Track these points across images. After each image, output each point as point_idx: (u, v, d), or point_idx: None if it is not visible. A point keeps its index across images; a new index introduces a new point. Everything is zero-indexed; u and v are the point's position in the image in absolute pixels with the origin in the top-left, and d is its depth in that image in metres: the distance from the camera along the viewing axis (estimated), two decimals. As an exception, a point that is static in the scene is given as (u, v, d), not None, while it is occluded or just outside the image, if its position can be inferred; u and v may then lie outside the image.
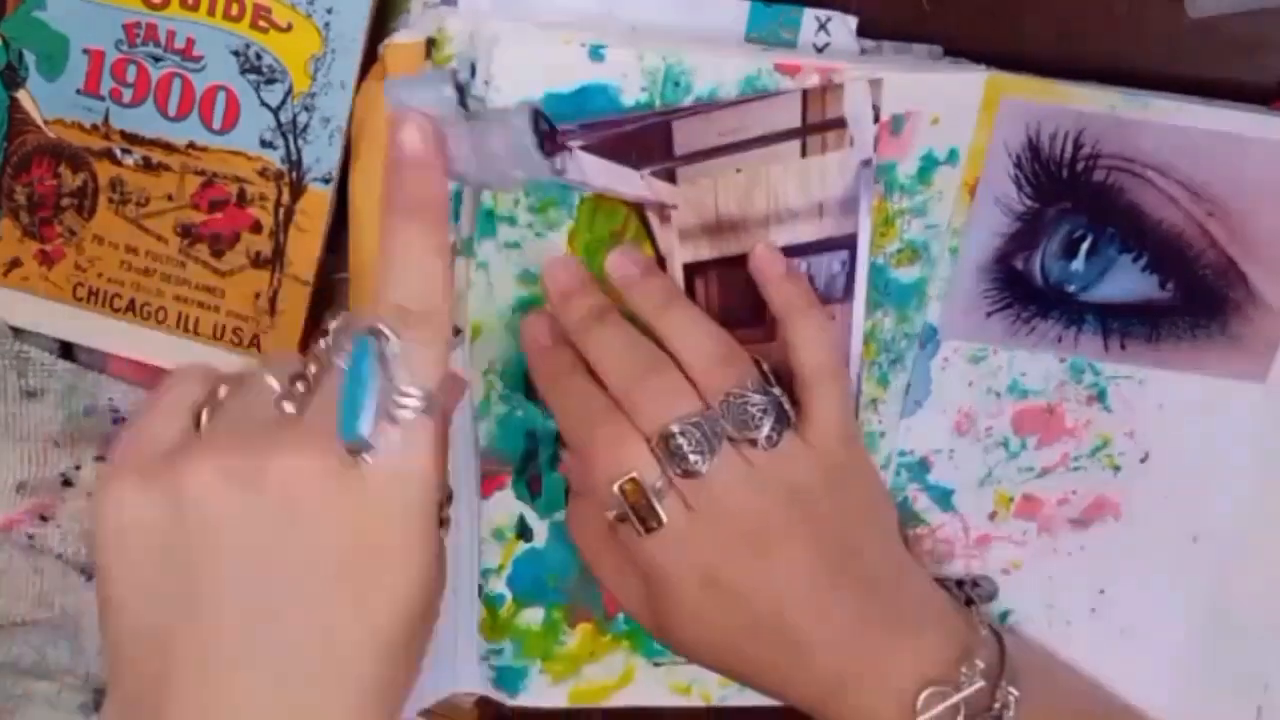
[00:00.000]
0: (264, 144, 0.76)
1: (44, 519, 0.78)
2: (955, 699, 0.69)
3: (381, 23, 0.75)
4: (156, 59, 0.75)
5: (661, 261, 0.73)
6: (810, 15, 0.73)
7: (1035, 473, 0.81)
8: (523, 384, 0.74)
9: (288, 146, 0.75)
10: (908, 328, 0.78)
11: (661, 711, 0.86)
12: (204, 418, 0.55)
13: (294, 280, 0.77)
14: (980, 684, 0.69)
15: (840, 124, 0.71)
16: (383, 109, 0.74)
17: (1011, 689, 0.70)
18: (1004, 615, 0.84)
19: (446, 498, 0.58)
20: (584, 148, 0.69)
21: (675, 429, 0.67)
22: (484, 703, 0.84)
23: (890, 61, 0.75)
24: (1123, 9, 0.76)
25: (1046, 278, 0.77)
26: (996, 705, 0.70)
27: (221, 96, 0.75)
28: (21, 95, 0.76)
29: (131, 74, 0.75)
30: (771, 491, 0.68)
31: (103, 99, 0.76)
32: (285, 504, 0.52)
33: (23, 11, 0.75)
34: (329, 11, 0.74)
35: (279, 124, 0.75)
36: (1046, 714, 0.72)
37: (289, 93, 0.75)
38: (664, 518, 0.67)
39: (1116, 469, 0.81)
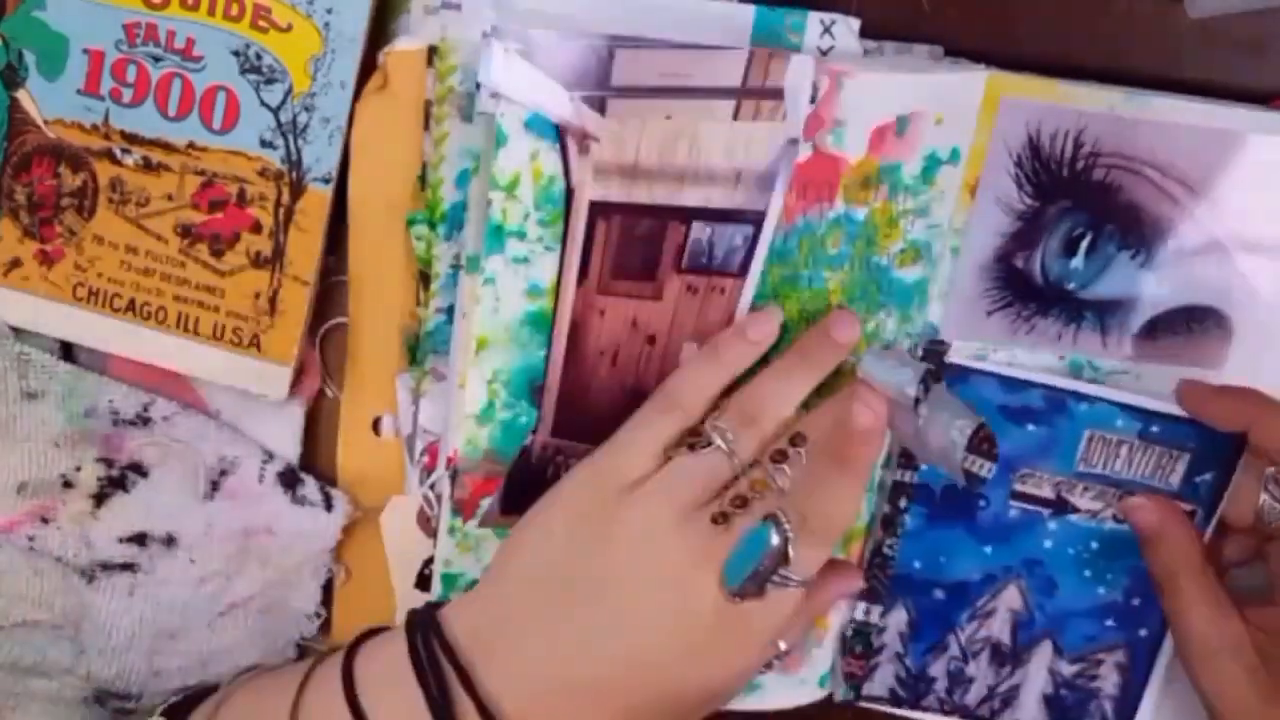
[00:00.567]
0: (264, 144, 0.75)
1: (44, 521, 0.78)
2: None
3: (381, 23, 0.75)
4: (156, 59, 0.75)
5: (570, 194, 0.72)
6: (815, 18, 0.73)
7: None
8: (526, 391, 0.74)
9: (288, 146, 0.75)
10: (909, 327, 0.78)
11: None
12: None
13: (294, 280, 0.77)
14: None
15: (777, 95, 0.71)
16: (383, 120, 0.74)
17: None
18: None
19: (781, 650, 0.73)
20: (521, 53, 0.68)
21: None
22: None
23: (892, 62, 0.75)
24: (1122, 9, 0.76)
25: (1046, 276, 0.78)
26: None
27: (221, 96, 0.75)
28: (21, 95, 0.76)
29: (131, 74, 0.75)
30: None
31: (103, 99, 0.75)
32: (679, 582, 0.67)
33: (23, 11, 0.75)
34: (329, 11, 0.74)
35: (279, 124, 0.75)
36: None
37: (289, 93, 0.75)
38: None
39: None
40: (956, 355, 0.79)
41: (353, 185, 0.76)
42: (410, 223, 0.75)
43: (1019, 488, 0.81)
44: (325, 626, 0.85)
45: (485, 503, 0.76)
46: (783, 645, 0.72)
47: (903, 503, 0.81)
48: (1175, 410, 0.79)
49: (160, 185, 0.76)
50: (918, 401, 0.67)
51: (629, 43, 0.69)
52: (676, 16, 0.73)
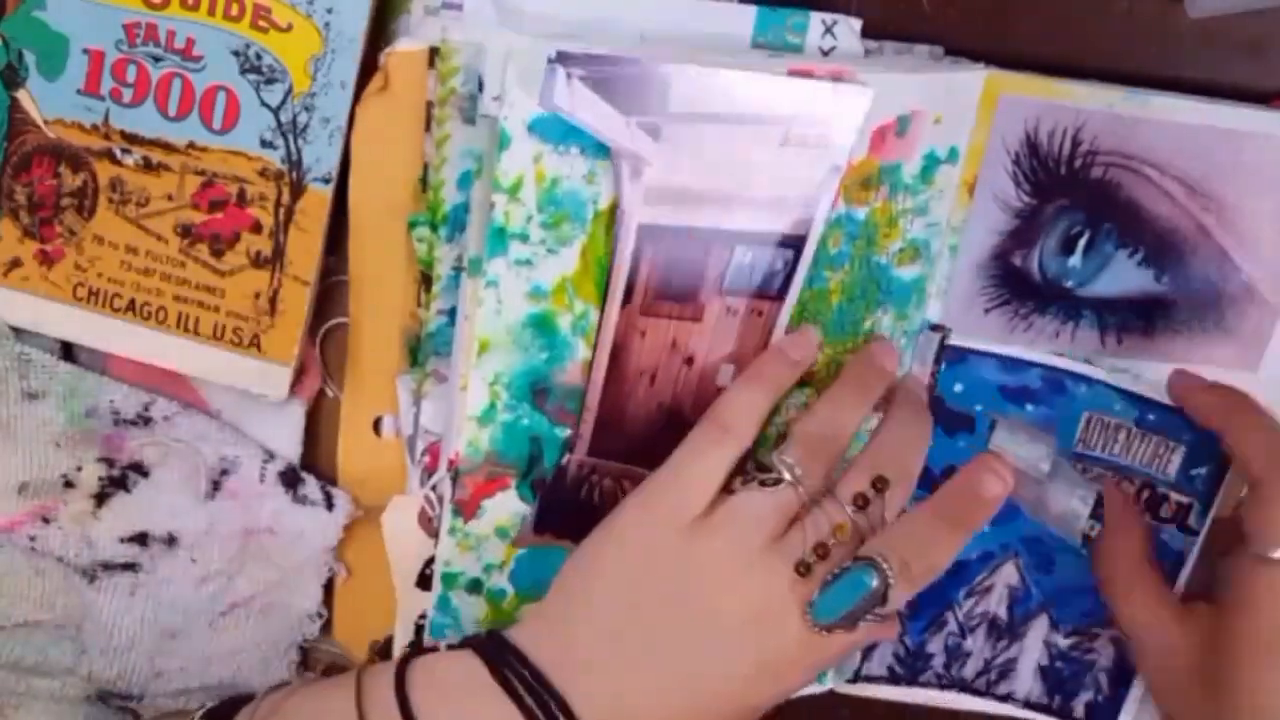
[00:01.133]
0: (264, 144, 0.75)
1: (45, 521, 0.78)
2: None
3: (381, 23, 0.75)
4: (156, 59, 0.75)
5: (620, 216, 0.72)
6: (816, 19, 0.74)
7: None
8: (528, 394, 0.74)
9: (288, 146, 0.75)
10: (907, 325, 0.78)
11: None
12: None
13: (294, 280, 0.77)
14: None
15: (825, 124, 0.71)
16: (384, 121, 0.74)
17: None
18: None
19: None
20: (583, 79, 0.68)
21: None
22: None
23: (892, 62, 0.75)
24: (1122, 9, 0.76)
25: (1044, 274, 0.78)
26: None
27: (221, 96, 0.75)
28: (21, 95, 0.76)
29: (131, 74, 0.75)
30: None
31: (103, 99, 0.75)
32: (764, 619, 0.70)
33: (23, 11, 0.74)
34: (329, 11, 0.74)
35: (279, 124, 0.75)
36: None
37: (289, 93, 0.75)
38: None
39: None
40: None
41: (353, 186, 0.76)
42: (412, 224, 0.75)
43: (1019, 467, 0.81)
44: (326, 627, 0.85)
45: (487, 503, 0.77)
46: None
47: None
48: (1171, 402, 0.80)
49: (160, 185, 0.76)
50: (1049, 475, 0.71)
51: (686, 68, 0.69)
52: (678, 17, 0.73)
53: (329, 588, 0.84)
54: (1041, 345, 0.79)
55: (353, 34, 0.74)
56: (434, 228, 0.74)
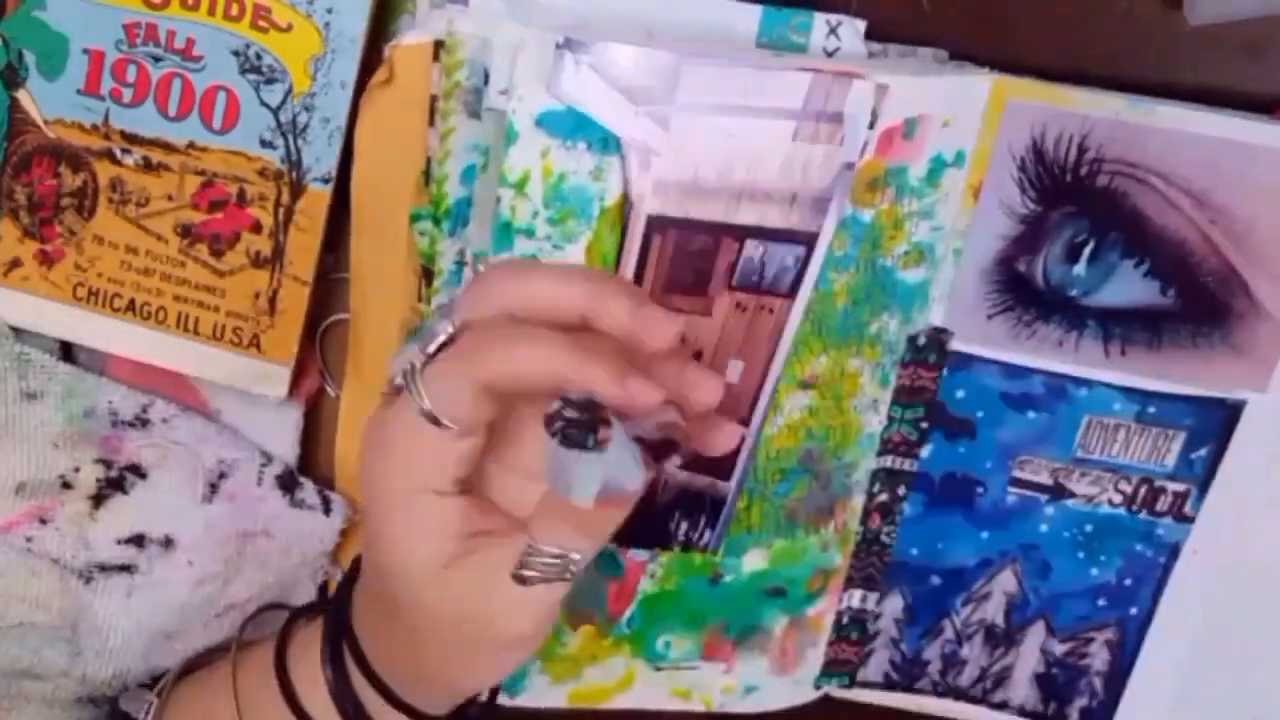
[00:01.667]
0: (264, 144, 0.75)
1: (42, 521, 0.77)
2: None
3: (381, 23, 0.75)
4: (156, 59, 0.75)
5: (629, 207, 0.72)
6: (821, 19, 0.73)
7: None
8: (527, 386, 0.74)
9: (287, 146, 0.75)
10: (910, 329, 0.78)
11: (661, 714, 0.86)
12: None
13: (293, 280, 0.77)
14: None
15: (837, 119, 0.71)
16: (388, 114, 0.74)
17: None
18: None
19: None
20: (592, 66, 0.68)
21: None
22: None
23: (897, 65, 0.75)
24: (1121, 15, 0.76)
25: (1048, 281, 0.77)
26: None
27: (221, 96, 0.75)
28: (21, 95, 0.76)
29: (131, 74, 0.75)
30: None
31: (103, 99, 0.75)
32: None
33: (23, 11, 0.74)
34: (329, 11, 0.74)
35: (279, 124, 0.75)
36: None
37: (289, 93, 0.75)
38: None
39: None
40: (958, 358, 0.79)
41: (356, 180, 0.75)
42: (414, 218, 0.75)
43: (1017, 474, 0.81)
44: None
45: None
46: None
47: (901, 490, 0.81)
48: (1173, 389, 0.79)
49: (160, 185, 0.76)
50: None
51: (696, 60, 0.69)
52: (684, 15, 0.73)
53: (324, 591, 0.84)
54: (1045, 354, 0.79)
55: (353, 34, 0.74)
56: (436, 222, 0.74)
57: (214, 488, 0.79)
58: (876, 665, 0.86)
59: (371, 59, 0.75)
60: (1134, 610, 0.84)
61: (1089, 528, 0.82)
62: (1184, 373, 0.79)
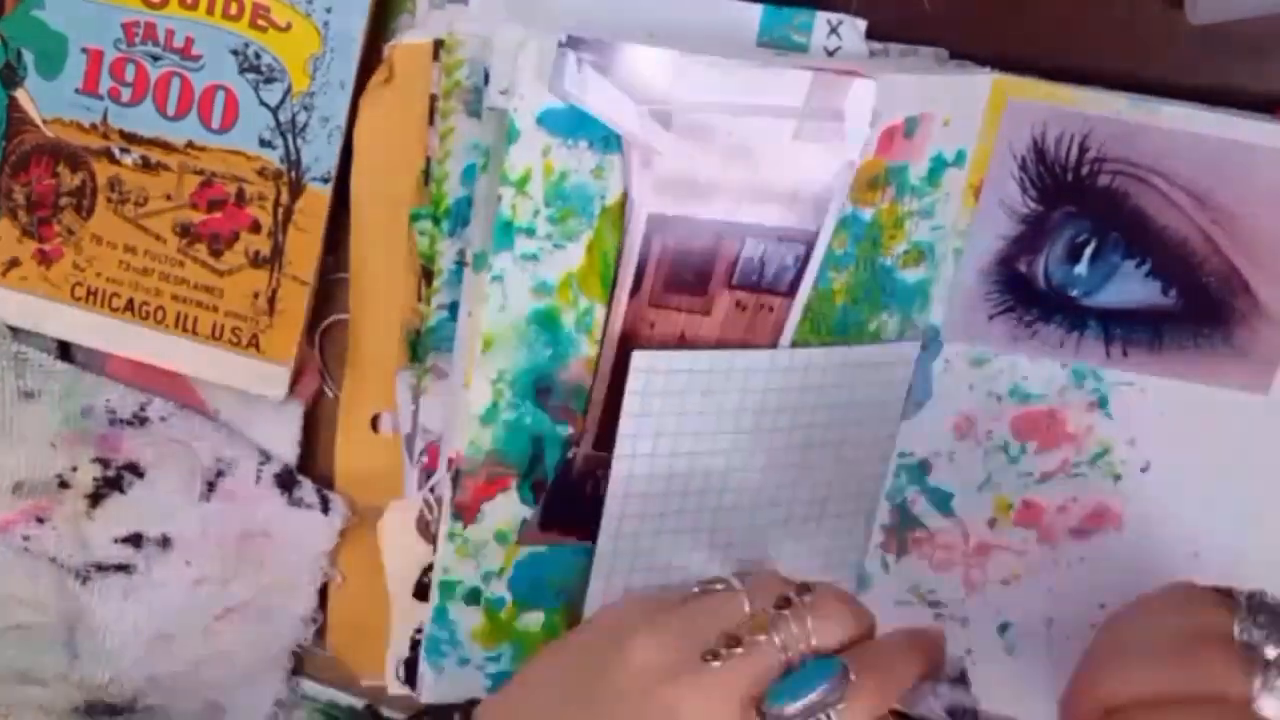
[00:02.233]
0: (263, 143, 0.75)
1: (40, 521, 0.78)
2: None
3: (381, 22, 0.75)
4: (155, 58, 0.75)
5: (629, 206, 0.71)
6: (822, 19, 0.73)
7: (1035, 478, 0.81)
8: (531, 391, 0.74)
9: (286, 146, 0.75)
10: (910, 329, 0.78)
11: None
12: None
13: (292, 280, 0.77)
14: None
15: (838, 118, 0.71)
16: (388, 114, 0.74)
17: None
18: (1004, 628, 0.84)
19: None
20: (593, 65, 0.68)
21: None
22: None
23: (898, 64, 0.75)
24: (1122, 15, 0.76)
25: (1049, 281, 0.77)
26: None
27: (220, 96, 0.75)
28: (20, 94, 0.76)
29: (130, 73, 0.75)
30: None
31: (101, 98, 0.75)
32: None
33: (21, 10, 0.75)
34: (328, 11, 0.74)
35: (278, 123, 0.75)
36: None
37: (288, 92, 0.75)
38: None
39: (1117, 477, 0.81)
40: (959, 359, 0.78)
41: (355, 179, 0.75)
42: (414, 218, 0.75)
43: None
44: (320, 633, 0.84)
45: (486, 507, 0.76)
46: None
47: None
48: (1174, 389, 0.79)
49: (159, 185, 0.76)
50: None
51: (697, 59, 0.69)
52: (685, 14, 0.73)
53: (323, 591, 0.83)
54: (1047, 355, 0.79)
55: (352, 33, 0.74)
56: (436, 221, 0.74)
57: (212, 486, 0.79)
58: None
59: (371, 59, 0.75)
60: None
61: None
62: (1185, 374, 0.79)
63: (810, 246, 0.73)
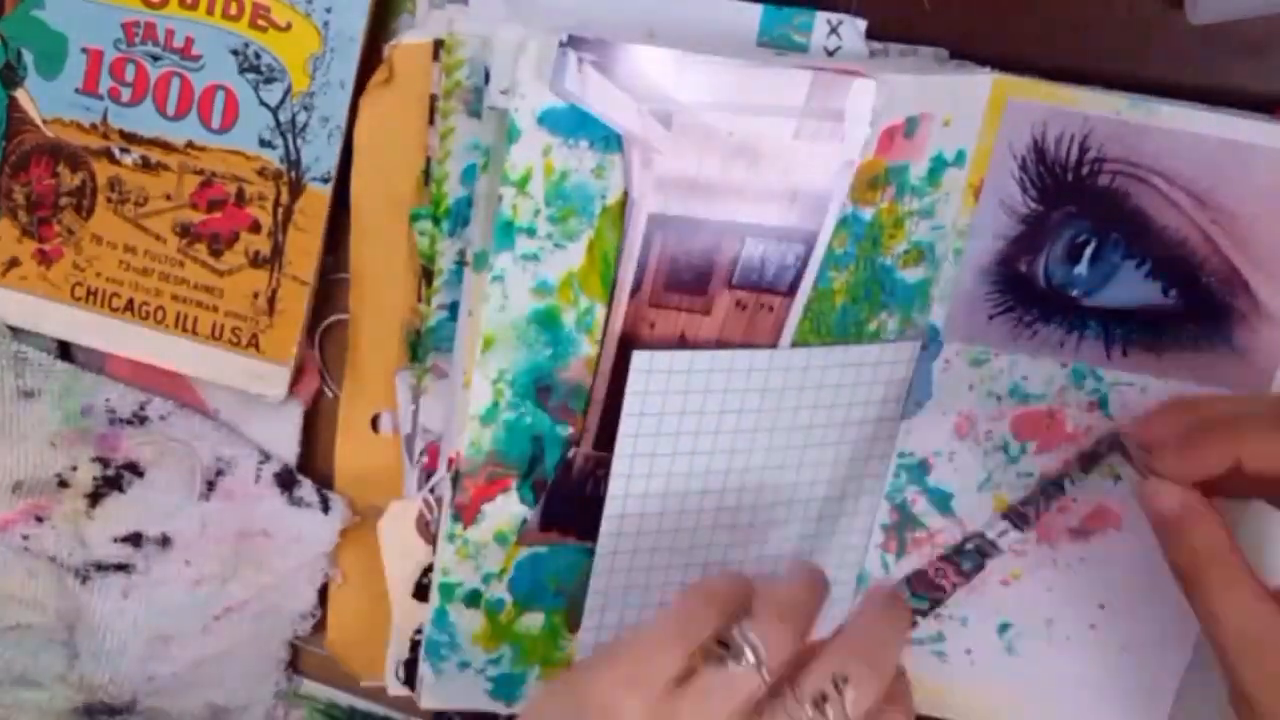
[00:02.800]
0: (263, 143, 0.75)
1: (39, 520, 0.78)
2: None
3: (381, 22, 0.75)
4: (155, 58, 0.75)
5: (630, 205, 0.71)
6: (822, 19, 0.73)
7: (1034, 478, 0.81)
8: (531, 391, 0.74)
9: (286, 146, 0.75)
10: (910, 329, 0.77)
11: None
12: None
13: (292, 280, 0.77)
14: None
15: (838, 118, 0.71)
16: (388, 114, 0.74)
17: None
18: (1004, 628, 0.84)
19: None
20: (594, 64, 0.68)
21: None
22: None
23: (898, 64, 0.75)
24: (1122, 14, 0.76)
25: (1049, 281, 0.77)
26: None
27: (220, 96, 0.75)
28: (20, 94, 0.76)
29: (130, 73, 0.75)
30: None
31: (101, 98, 0.75)
32: None
33: (21, 10, 0.75)
34: (328, 11, 0.74)
35: (278, 123, 0.75)
36: None
37: (288, 92, 0.75)
38: None
39: (1117, 478, 0.81)
40: (958, 359, 0.78)
41: (355, 179, 0.75)
42: (414, 218, 0.75)
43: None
44: (319, 627, 0.84)
45: (487, 508, 0.76)
46: None
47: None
48: (1175, 390, 0.79)
49: (159, 185, 0.76)
50: None
51: (698, 58, 0.69)
52: (685, 14, 0.73)
53: (323, 592, 0.83)
54: (1046, 354, 0.78)
55: (352, 33, 0.74)
56: (436, 221, 0.74)
57: (211, 485, 0.79)
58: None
59: (371, 58, 0.75)
60: None
61: None
62: (1186, 374, 0.79)
63: (810, 246, 0.73)
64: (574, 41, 0.66)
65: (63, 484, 0.78)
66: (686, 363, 0.73)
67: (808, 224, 0.73)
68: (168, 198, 0.76)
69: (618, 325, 0.73)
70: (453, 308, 0.76)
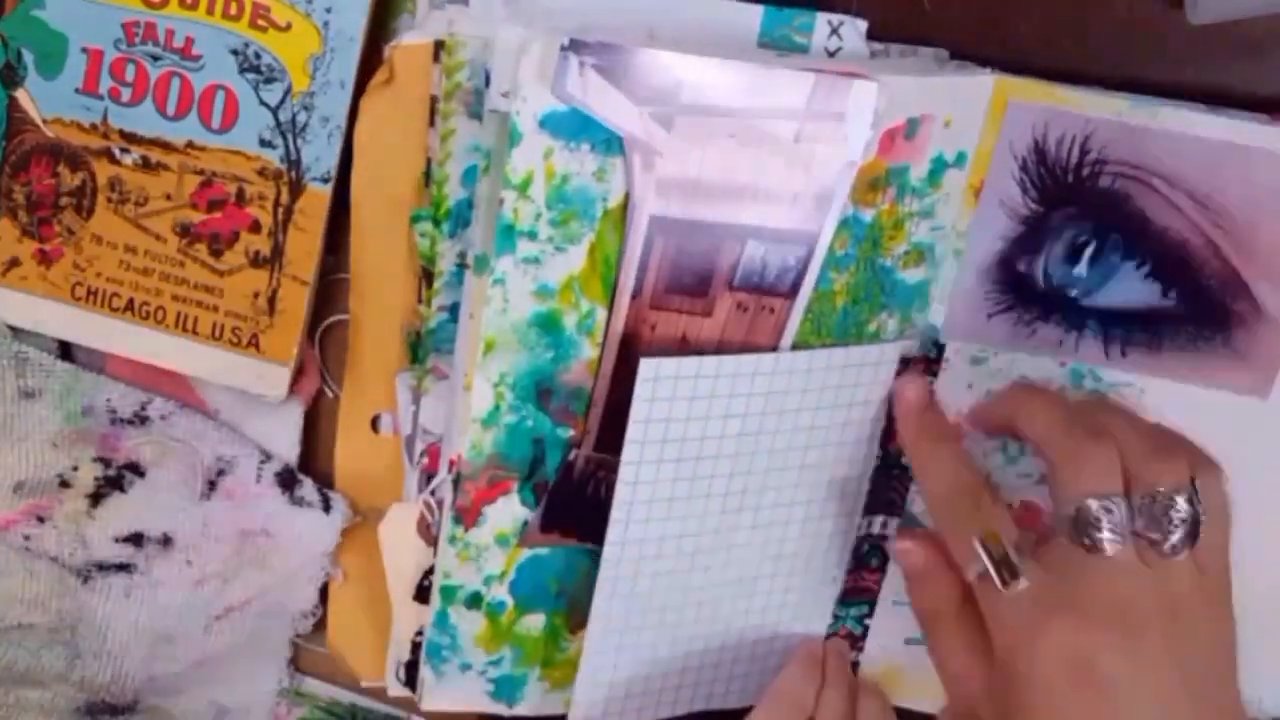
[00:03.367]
0: (263, 143, 0.75)
1: (40, 520, 0.78)
2: None
3: (381, 22, 0.75)
4: (155, 58, 0.75)
5: (631, 208, 0.71)
6: (823, 19, 0.73)
7: (1034, 479, 0.81)
8: (533, 394, 0.74)
9: (287, 146, 0.75)
10: (910, 329, 0.77)
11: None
12: None
13: (293, 280, 0.77)
14: None
15: (839, 119, 0.71)
16: (388, 115, 0.74)
17: None
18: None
19: None
20: (595, 67, 0.68)
21: (1094, 504, 0.67)
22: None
23: (899, 65, 0.74)
24: (1121, 15, 0.76)
25: (1049, 281, 0.77)
26: None
27: (220, 96, 0.75)
28: (20, 94, 0.76)
29: (130, 73, 0.75)
30: (1160, 598, 0.67)
31: (101, 98, 0.75)
32: None
33: (22, 10, 0.74)
34: (328, 11, 0.74)
35: (278, 123, 0.75)
36: None
37: (288, 92, 0.75)
38: (1022, 573, 0.68)
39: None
40: (958, 358, 0.78)
41: (356, 180, 0.75)
42: (414, 219, 0.75)
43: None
44: (319, 626, 0.84)
45: (488, 510, 0.76)
46: None
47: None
48: (1174, 391, 0.79)
49: (159, 185, 0.76)
50: None
51: (699, 60, 0.69)
52: (686, 15, 0.73)
53: (324, 591, 0.83)
54: (1045, 353, 0.78)
55: (352, 33, 0.74)
56: (437, 223, 0.74)
57: (212, 485, 0.79)
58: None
59: (371, 59, 0.75)
60: None
61: None
62: (1184, 374, 0.79)
63: (811, 248, 0.73)
64: (576, 45, 0.66)
65: (64, 484, 0.78)
66: (694, 369, 0.73)
67: (809, 226, 0.73)
68: (168, 198, 0.76)
69: (619, 328, 0.73)
70: (453, 309, 0.76)
